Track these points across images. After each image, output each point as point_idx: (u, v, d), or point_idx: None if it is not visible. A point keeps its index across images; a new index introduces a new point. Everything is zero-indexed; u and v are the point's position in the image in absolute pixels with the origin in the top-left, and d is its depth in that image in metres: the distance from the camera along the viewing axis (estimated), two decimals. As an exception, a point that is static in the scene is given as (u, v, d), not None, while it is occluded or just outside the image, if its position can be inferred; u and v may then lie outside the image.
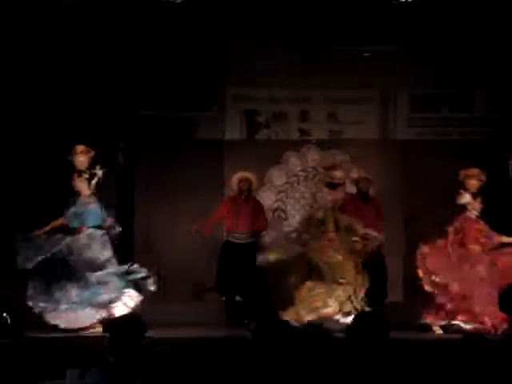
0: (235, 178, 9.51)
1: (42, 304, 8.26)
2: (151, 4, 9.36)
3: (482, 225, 8.85)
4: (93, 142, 10.00)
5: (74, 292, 8.31)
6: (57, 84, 10.04)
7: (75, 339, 7.56)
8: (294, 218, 10.60)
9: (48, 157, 9.77)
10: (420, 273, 8.66)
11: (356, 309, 8.28)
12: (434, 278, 8.58)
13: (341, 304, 8.36)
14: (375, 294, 9.11)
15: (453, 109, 10.73)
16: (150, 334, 4.56)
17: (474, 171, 8.87)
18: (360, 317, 4.46)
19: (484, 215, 9.24)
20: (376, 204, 9.54)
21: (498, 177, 9.94)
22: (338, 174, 8.75)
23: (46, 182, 9.67)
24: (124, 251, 10.28)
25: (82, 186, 8.59)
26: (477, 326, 8.38)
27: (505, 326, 8.37)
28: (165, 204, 10.44)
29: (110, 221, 8.69)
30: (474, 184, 8.81)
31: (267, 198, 10.64)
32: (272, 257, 8.81)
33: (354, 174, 9.87)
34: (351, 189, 9.75)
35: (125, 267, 8.49)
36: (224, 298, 9.46)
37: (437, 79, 10.53)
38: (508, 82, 10.34)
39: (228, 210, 9.48)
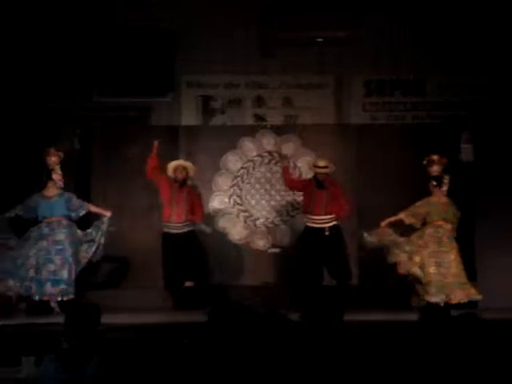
0: (170, 166, 9.42)
1: None
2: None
3: None
4: (48, 128, 9.99)
5: None
6: (13, 70, 9.96)
7: (30, 326, 7.52)
8: (250, 203, 10.66)
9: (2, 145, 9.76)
10: None
11: None
12: None
13: None
14: (342, 273, 9.36)
15: (406, 93, 10.84)
16: (105, 319, 4.57)
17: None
18: (314, 299, 4.50)
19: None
20: (332, 191, 9.45)
21: (450, 160, 10.05)
22: (436, 168, 9.24)
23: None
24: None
25: None
26: None
27: None
28: (121, 189, 10.42)
29: None
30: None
31: (223, 184, 10.67)
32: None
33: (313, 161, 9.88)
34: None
35: None
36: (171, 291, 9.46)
37: (390, 64, 10.63)
38: (459, 66, 10.49)
39: (167, 193, 9.38)
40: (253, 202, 10.65)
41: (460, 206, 9.39)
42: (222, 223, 10.61)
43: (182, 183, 9.38)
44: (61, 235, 8.99)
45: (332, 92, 10.87)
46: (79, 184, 10.30)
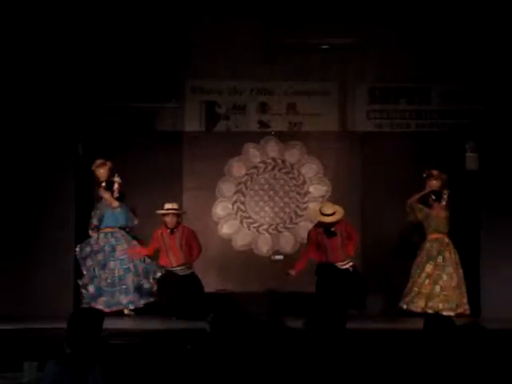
0: (159, 212, 9.31)
1: None
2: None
3: None
4: (52, 133, 9.98)
5: None
6: (16, 75, 9.97)
7: (32, 331, 7.50)
8: (253, 210, 10.64)
9: (6, 148, 9.74)
10: None
11: None
12: None
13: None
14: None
15: (411, 101, 10.83)
16: (107, 325, 4.56)
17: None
18: (318, 308, 4.49)
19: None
20: (342, 234, 9.11)
21: (455, 168, 10.04)
22: (435, 182, 9.48)
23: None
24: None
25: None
26: None
27: None
28: (124, 194, 10.40)
29: None
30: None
31: (226, 190, 10.65)
32: None
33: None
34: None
35: None
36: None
37: (394, 72, 10.63)
38: (464, 75, 10.48)
39: (159, 242, 9.28)
40: (256, 209, 10.63)
41: (464, 216, 9.45)
42: (226, 229, 10.59)
43: (172, 230, 9.28)
44: (123, 245, 9.45)
45: (336, 99, 10.87)
46: (82, 190, 10.27)
